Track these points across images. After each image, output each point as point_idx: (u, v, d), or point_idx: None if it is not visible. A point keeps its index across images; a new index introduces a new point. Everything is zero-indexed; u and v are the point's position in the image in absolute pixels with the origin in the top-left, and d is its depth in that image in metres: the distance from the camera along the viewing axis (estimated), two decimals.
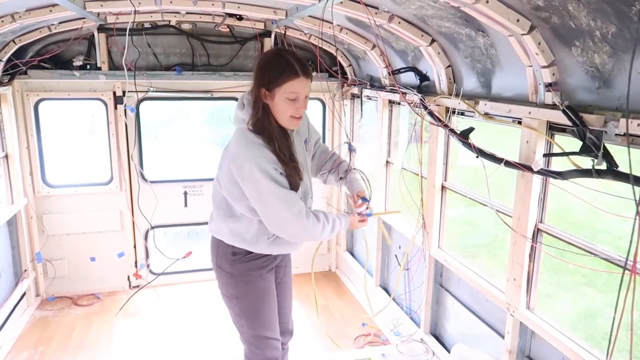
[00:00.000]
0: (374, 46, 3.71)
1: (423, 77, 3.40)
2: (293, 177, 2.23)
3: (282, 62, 2.15)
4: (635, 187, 1.45)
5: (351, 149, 2.63)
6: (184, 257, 4.65)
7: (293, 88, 2.15)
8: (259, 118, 2.20)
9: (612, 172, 1.91)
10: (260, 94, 2.18)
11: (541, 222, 2.56)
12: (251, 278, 2.44)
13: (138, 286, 4.81)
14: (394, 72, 3.69)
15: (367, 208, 2.52)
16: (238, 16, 4.14)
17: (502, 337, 2.87)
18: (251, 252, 2.41)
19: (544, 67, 2.22)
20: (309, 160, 2.51)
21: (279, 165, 2.19)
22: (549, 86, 2.27)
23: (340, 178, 2.63)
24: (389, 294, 4.38)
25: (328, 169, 2.64)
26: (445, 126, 3.06)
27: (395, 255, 4.16)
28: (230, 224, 2.39)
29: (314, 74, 2.32)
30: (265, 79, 2.15)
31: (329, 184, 2.74)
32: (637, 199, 1.27)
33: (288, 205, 2.18)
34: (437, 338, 3.67)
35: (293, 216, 2.18)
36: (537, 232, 2.56)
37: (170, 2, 3.42)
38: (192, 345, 3.99)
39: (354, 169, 2.64)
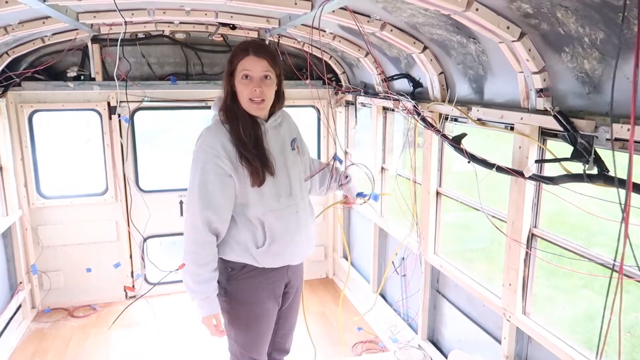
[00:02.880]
0: (367, 53, 3.73)
1: (416, 84, 3.42)
2: (254, 164, 2.17)
3: (238, 47, 2.23)
4: (622, 190, 1.47)
5: (336, 159, 2.67)
6: (177, 270, 4.62)
7: (244, 66, 2.16)
8: (227, 104, 2.25)
9: (603, 176, 1.93)
10: (227, 82, 2.24)
11: (535, 227, 2.56)
12: (247, 297, 2.34)
13: (134, 297, 4.79)
14: (388, 79, 3.71)
15: (367, 197, 2.75)
16: (231, 25, 4.15)
17: (499, 342, 2.87)
18: (246, 266, 2.30)
19: (535, 73, 2.24)
20: (296, 161, 2.40)
21: (227, 162, 2.15)
22: (540, 92, 2.29)
23: (340, 185, 2.74)
24: (386, 300, 4.38)
25: (327, 183, 2.72)
26: (438, 131, 3.07)
27: (392, 262, 4.16)
28: None
29: (309, 81, 2.34)
30: (228, 67, 2.23)
31: (330, 192, 2.82)
32: (623, 202, 1.28)
33: (194, 212, 2.19)
34: (435, 344, 3.66)
35: (187, 224, 2.23)
36: (531, 237, 2.57)
37: (164, 13, 3.43)
38: (188, 355, 3.97)
39: (348, 175, 2.79)
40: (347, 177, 2.75)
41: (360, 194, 2.75)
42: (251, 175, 2.18)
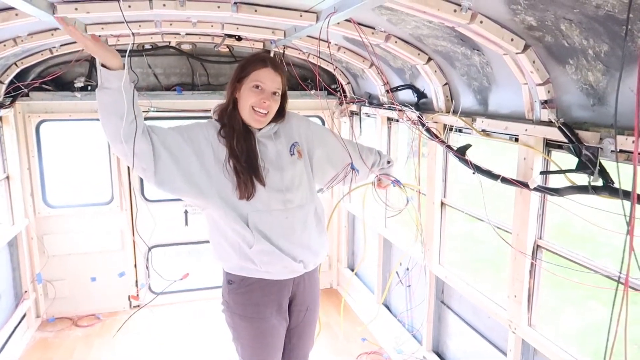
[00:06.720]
0: (371, 64, 3.75)
1: (421, 95, 3.43)
2: (243, 175, 2.15)
3: (255, 57, 2.26)
4: (627, 202, 1.47)
5: (353, 169, 2.65)
6: (181, 279, 4.62)
7: (258, 76, 2.18)
8: (227, 111, 2.26)
9: (608, 188, 1.92)
10: (232, 89, 2.25)
11: (540, 238, 2.56)
12: (247, 313, 2.27)
13: (139, 306, 4.79)
14: (392, 90, 3.73)
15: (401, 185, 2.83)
16: (237, 37, 4.19)
17: (505, 354, 2.85)
18: (244, 278, 2.24)
19: (539, 84, 2.24)
20: (295, 168, 2.32)
21: (197, 139, 2.18)
22: (544, 103, 2.29)
23: (381, 168, 2.76)
24: (391, 311, 4.35)
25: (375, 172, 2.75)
26: (442, 142, 3.08)
27: (397, 272, 4.15)
28: (214, 238, 2.31)
29: (313, 92, 2.33)
30: (238, 74, 2.24)
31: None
32: (628, 214, 1.28)
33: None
34: (440, 356, 3.63)
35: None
36: (536, 248, 2.56)
37: (170, 25, 3.47)
38: None
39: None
40: (389, 162, 2.78)
41: (395, 181, 2.78)
42: (238, 187, 2.15)
